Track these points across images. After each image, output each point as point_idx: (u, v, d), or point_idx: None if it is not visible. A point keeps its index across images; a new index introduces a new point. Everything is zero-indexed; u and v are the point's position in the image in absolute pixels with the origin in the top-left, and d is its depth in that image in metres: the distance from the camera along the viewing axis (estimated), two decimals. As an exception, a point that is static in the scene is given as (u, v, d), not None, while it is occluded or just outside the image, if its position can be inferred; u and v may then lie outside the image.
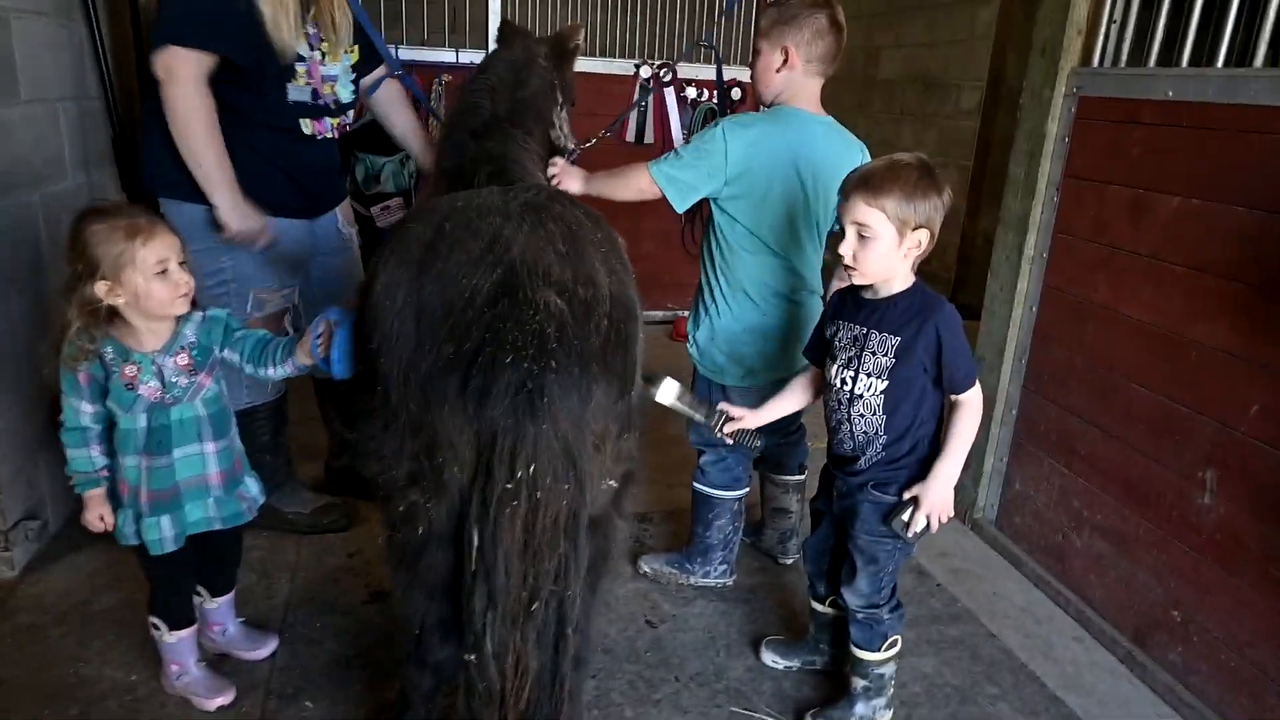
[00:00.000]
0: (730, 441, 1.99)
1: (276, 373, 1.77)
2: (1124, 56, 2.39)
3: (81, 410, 1.67)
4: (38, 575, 2.32)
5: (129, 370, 1.64)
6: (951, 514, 1.77)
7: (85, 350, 1.61)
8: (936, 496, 1.74)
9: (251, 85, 2.13)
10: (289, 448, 2.62)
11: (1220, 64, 2.10)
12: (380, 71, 2.56)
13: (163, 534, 1.73)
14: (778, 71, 2.12)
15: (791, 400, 2.01)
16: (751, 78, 2.25)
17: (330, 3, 2.20)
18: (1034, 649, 2.29)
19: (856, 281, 1.75)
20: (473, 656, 1.31)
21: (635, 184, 2.13)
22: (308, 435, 2.86)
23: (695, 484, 2.38)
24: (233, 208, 2.14)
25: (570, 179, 2.16)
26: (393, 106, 2.64)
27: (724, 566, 2.42)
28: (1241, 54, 2.10)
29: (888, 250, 1.67)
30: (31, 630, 2.11)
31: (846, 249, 1.69)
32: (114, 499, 1.75)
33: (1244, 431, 1.95)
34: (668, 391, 1.88)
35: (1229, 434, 1.98)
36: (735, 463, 2.33)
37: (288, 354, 1.74)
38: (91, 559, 2.39)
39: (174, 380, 1.68)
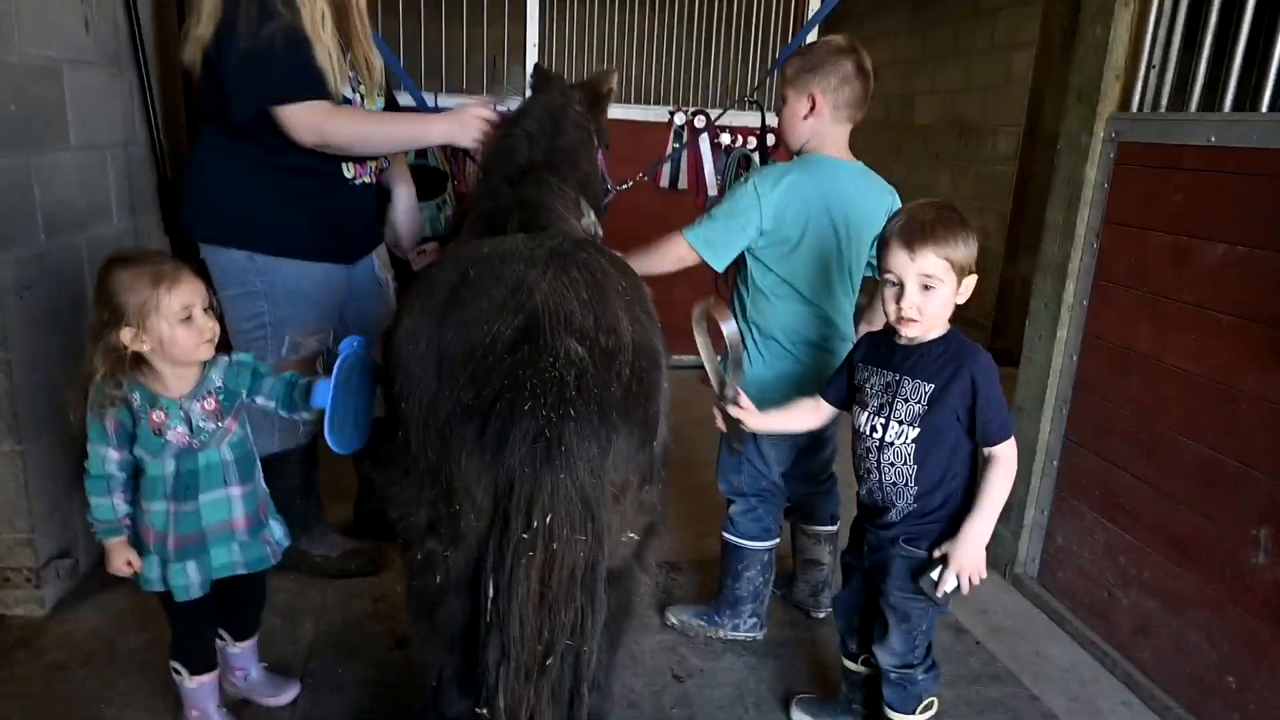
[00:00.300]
0: (723, 428, 1.88)
1: (308, 415, 1.76)
2: (1164, 101, 2.35)
3: (108, 457, 1.67)
4: (67, 614, 2.34)
5: (156, 416, 1.65)
6: (984, 574, 1.70)
7: (112, 396, 1.62)
8: (967, 556, 1.67)
9: None
10: (319, 491, 2.63)
11: (1265, 108, 2.05)
12: None
13: (189, 580, 1.73)
14: (805, 119, 2.12)
15: (795, 419, 1.95)
16: (779, 126, 2.25)
17: (364, 45, 2.25)
18: (1079, 713, 2.18)
19: (912, 334, 1.69)
20: (485, 711, 1.28)
21: (674, 254, 2.14)
22: (337, 478, 2.87)
23: (724, 534, 2.33)
24: (450, 132, 2.20)
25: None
26: (399, 175, 2.59)
27: (754, 619, 2.36)
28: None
29: (949, 298, 1.65)
30: (59, 670, 2.12)
31: (909, 302, 1.63)
32: (138, 546, 1.74)
33: (1299, 488, 1.86)
34: (731, 330, 1.72)
35: (1283, 490, 1.90)
36: (765, 513, 2.29)
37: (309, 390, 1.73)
38: (120, 598, 2.40)
39: (201, 425, 1.69)
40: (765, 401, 2.18)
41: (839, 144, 2.16)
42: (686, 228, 2.13)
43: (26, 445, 2.22)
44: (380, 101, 2.37)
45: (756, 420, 1.87)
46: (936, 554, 1.71)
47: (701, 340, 1.80)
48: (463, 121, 2.20)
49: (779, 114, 2.22)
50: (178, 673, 1.85)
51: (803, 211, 2.07)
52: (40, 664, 2.13)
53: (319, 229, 2.27)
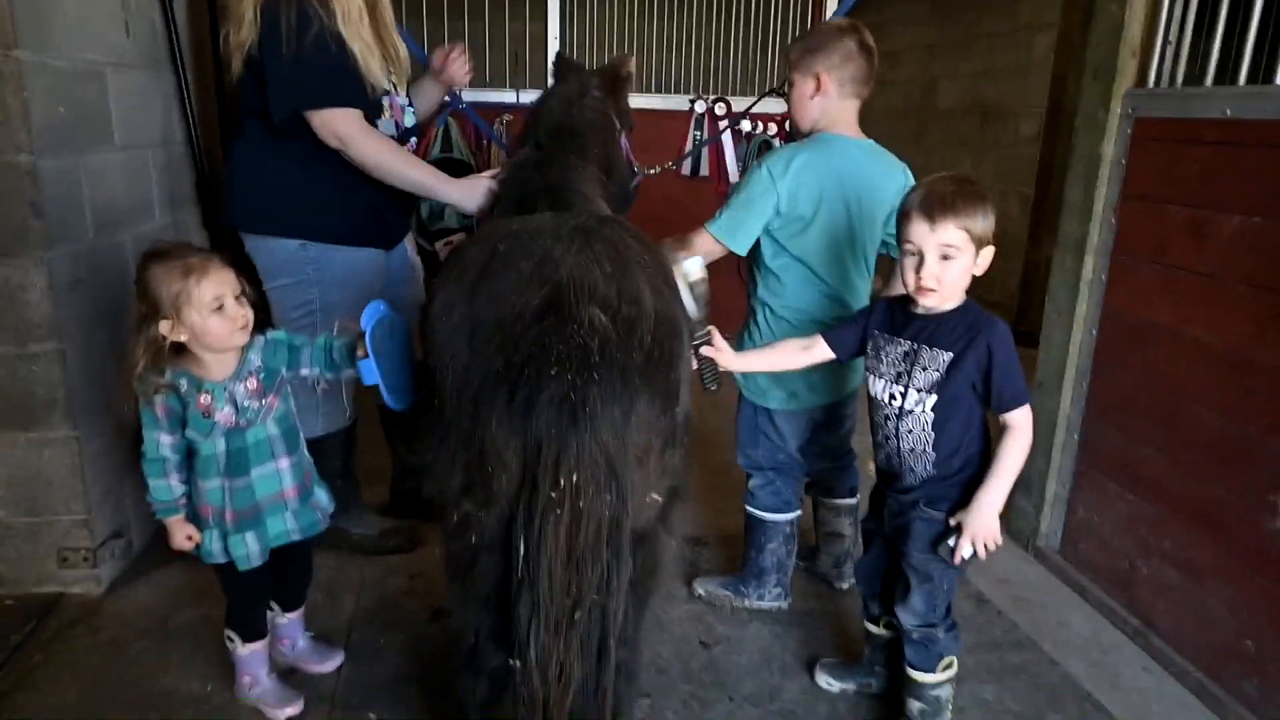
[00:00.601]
0: (694, 364, 1.88)
1: (352, 373, 1.80)
2: (1179, 77, 2.37)
3: (161, 442, 1.76)
4: (122, 591, 2.46)
5: (204, 399, 1.74)
6: (999, 541, 1.75)
7: (156, 385, 1.70)
8: (981, 524, 1.72)
9: None
10: (357, 472, 2.73)
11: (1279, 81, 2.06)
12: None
13: (249, 549, 1.83)
14: (812, 99, 2.15)
15: (779, 357, 2.01)
16: (789, 110, 2.28)
17: (392, 34, 2.33)
18: (1100, 678, 2.22)
19: (931, 303, 1.74)
20: (518, 663, 1.35)
21: (701, 248, 2.14)
22: (373, 460, 2.96)
23: (746, 506, 2.40)
24: (461, 196, 2.29)
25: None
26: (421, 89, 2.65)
27: (778, 589, 2.42)
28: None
29: (967, 268, 1.70)
30: (116, 644, 2.23)
31: (929, 272, 1.68)
32: (196, 522, 1.84)
33: (1316, 452, 1.88)
34: (694, 266, 1.83)
35: (1300, 455, 1.92)
36: (784, 485, 2.35)
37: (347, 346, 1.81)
38: (172, 576, 2.52)
39: (246, 404, 1.78)
40: (779, 377, 2.24)
41: (849, 122, 2.20)
42: (709, 221, 2.17)
43: (82, 431, 2.33)
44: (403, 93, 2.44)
45: (731, 359, 1.93)
46: (952, 522, 1.76)
47: (679, 279, 1.82)
48: (473, 190, 2.29)
49: (787, 98, 2.26)
50: (231, 640, 1.95)
51: (816, 190, 2.11)
52: (98, 640, 2.24)
53: (364, 216, 2.36)
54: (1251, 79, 2.17)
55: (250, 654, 1.97)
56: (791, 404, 2.26)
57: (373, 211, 2.38)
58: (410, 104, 2.49)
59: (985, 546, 1.74)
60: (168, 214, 2.85)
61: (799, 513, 2.40)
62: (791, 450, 2.33)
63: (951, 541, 1.75)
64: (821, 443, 2.38)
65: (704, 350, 1.88)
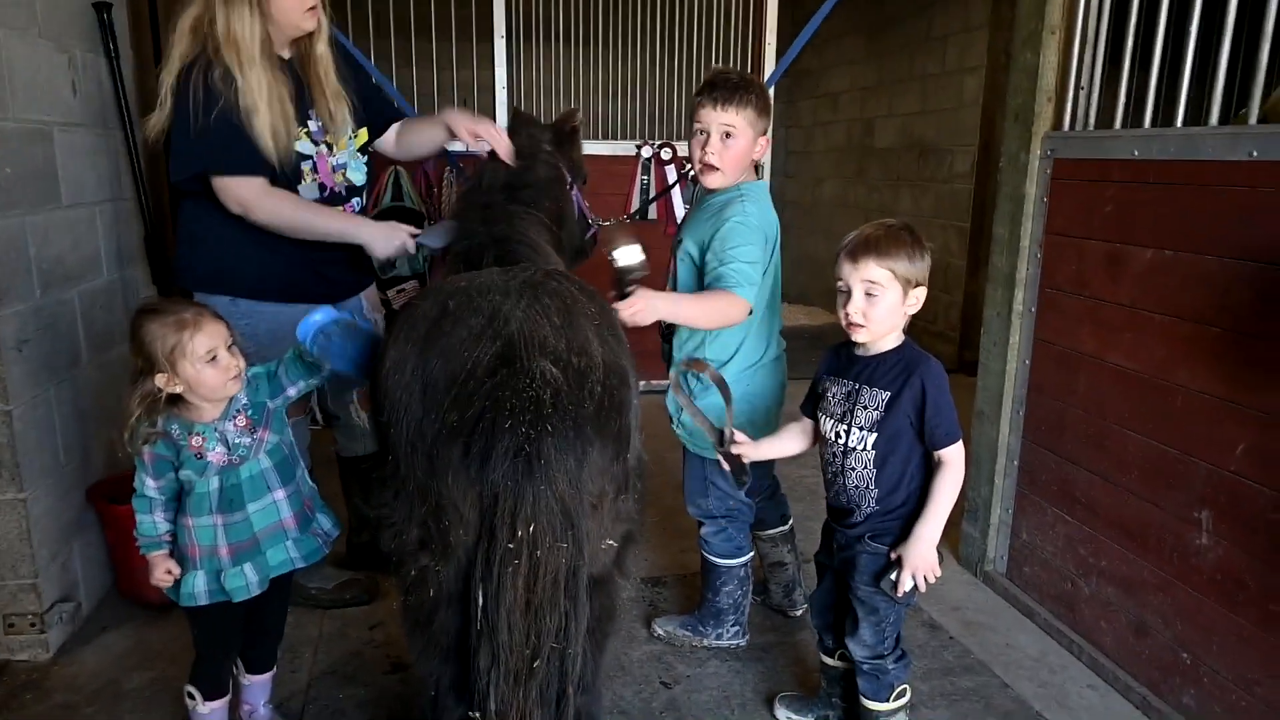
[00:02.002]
0: (726, 466, 1.98)
1: (329, 368, 1.85)
2: (1092, 119, 2.52)
3: (146, 484, 1.81)
4: (71, 656, 2.40)
5: (195, 441, 1.77)
6: (938, 573, 1.83)
7: (149, 435, 1.75)
8: (920, 556, 1.80)
9: None
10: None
11: (1179, 123, 2.22)
12: (393, 127, 2.67)
13: (247, 580, 1.83)
14: (757, 154, 2.23)
15: (787, 444, 2.07)
16: (720, 162, 2.16)
17: (326, 97, 2.37)
18: (1049, 698, 2.30)
19: (861, 338, 1.84)
20: (477, 715, 1.38)
21: (732, 316, 2.11)
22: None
23: (701, 550, 2.44)
24: (374, 238, 2.32)
25: (650, 306, 1.99)
26: (411, 128, 2.68)
27: (736, 628, 2.46)
28: (1201, 111, 2.22)
29: (893, 306, 1.79)
30: (66, 710, 2.18)
31: (855, 307, 1.79)
32: (182, 562, 1.85)
33: (1233, 471, 2.00)
34: (629, 253, 1.97)
35: (1219, 474, 2.03)
36: (736, 531, 2.39)
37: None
38: (122, 639, 2.47)
39: (238, 441, 1.81)
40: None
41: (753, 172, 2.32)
42: (736, 286, 2.07)
43: (29, 492, 2.30)
44: (353, 142, 2.47)
45: (756, 451, 2.01)
46: (894, 556, 1.83)
47: (686, 402, 1.98)
48: (390, 234, 2.34)
49: (718, 151, 2.15)
50: (191, 698, 1.92)
51: (771, 237, 2.22)
52: (48, 705, 2.19)
53: (299, 273, 2.38)
54: (1162, 120, 2.32)
55: (210, 713, 1.93)
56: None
57: (308, 268, 2.39)
58: (367, 157, 2.52)
59: (925, 579, 1.81)
60: (115, 270, 2.84)
61: (752, 554, 2.45)
62: (741, 496, 2.36)
63: (894, 576, 1.82)
64: (766, 481, 2.46)
65: (733, 450, 1.95)
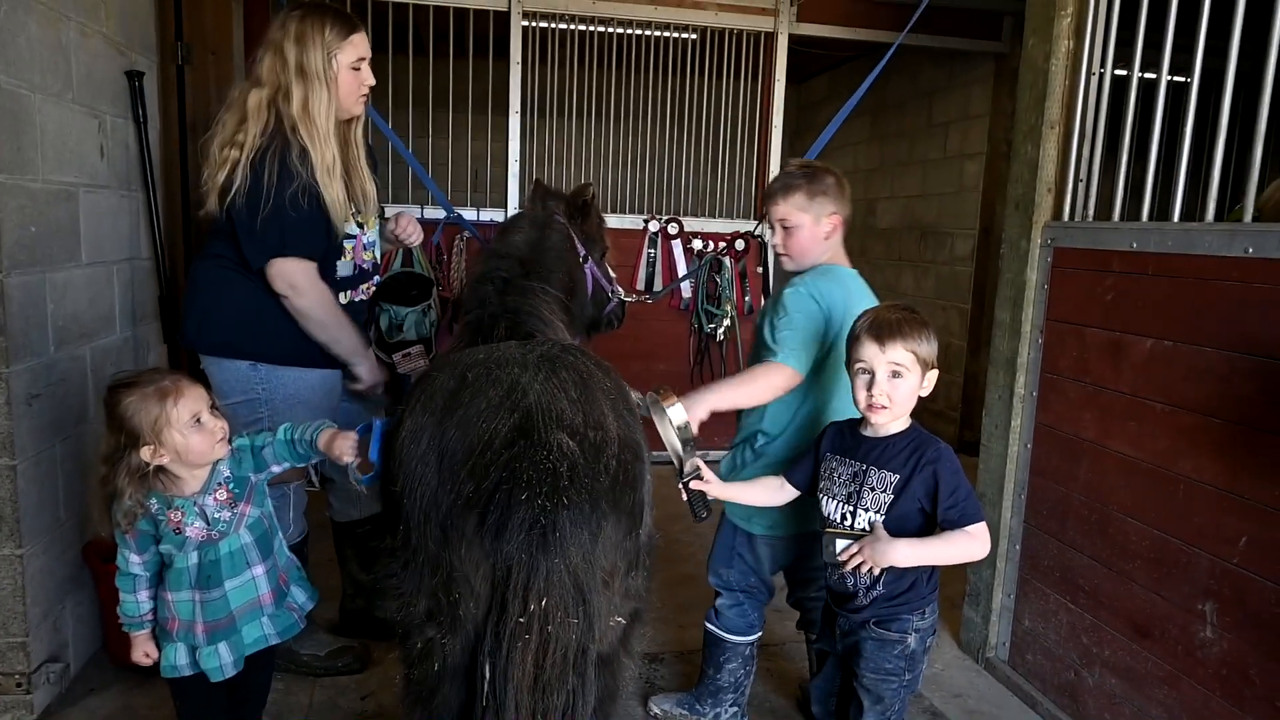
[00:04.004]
0: (685, 497, 1.96)
1: (317, 458, 1.87)
2: (1091, 210, 2.60)
3: (131, 560, 1.78)
4: (56, 719, 2.35)
5: (174, 516, 1.75)
6: (877, 571, 1.82)
7: (136, 513, 1.73)
8: (881, 550, 1.78)
9: None
10: (307, 589, 2.68)
11: (1176, 218, 2.28)
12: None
13: (222, 661, 1.81)
14: (827, 239, 2.22)
15: (756, 494, 2.07)
16: (787, 250, 2.25)
17: (361, 176, 2.45)
18: (1053, 793, 2.25)
19: (882, 419, 1.84)
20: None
21: (778, 384, 2.12)
22: (322, 578, 2.91)
23: (708, 625, 2.38)
24: (371, 369, 2.45)
25: (698, 404, 2.05)
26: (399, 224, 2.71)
27: (734, 709, 2.41)
28: (1197, 205, 2.29)
29: (914, 388, 1.82)
30: (46, 776, 2.13)
31: (880, 389, 1.80)
32: (163, 635, 1.83)
33: (1237, 563, 2.00)
34: (677, 413, 1.89)
35: (1223, 566, 2.03)
36: (751, 608, 2.35)
37: (314, 436, 1.84)
38: (107, 702, 2.42)
39: (217, 516, 1.79)
40: (759, 509, 2.22)
41: (843, 253, 2.31)
42: (779, 355, 2.11)
43: (26, 548, 2.28)
44: (379, 224, 2.55)
45: (719, 489, 1.99)
46: (862, 525, 1.83)
47: (660, 421, 1.93)
48: (376, 373, 2.51)
49: (785, 240, 2.24)
50: (175, 768, 1.88)
51: (839, 321, 2.14)
52: (28, 770, 2.14)
53: (315, 343, 2.41)
54: (1160, 213, 2.39)
55: (195, 783, 1.90)
56: (776, 530, 2.27)
57: None
58: (376, 239, 2.58)
59: (864, 564, 1.79)
60: (129, 328, 2.87)
61: (760, 634, 2.40)
62: (765, 575, 2.33)
63: (840, 545, 1.82)
64: (810, 568, 2.34)
65: (694, 485, 1.95)
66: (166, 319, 3.06)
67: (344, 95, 2.31)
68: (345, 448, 1.79)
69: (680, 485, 1.95)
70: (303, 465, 1.91)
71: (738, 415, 2.38)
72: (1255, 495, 1.96)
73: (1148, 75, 2.47)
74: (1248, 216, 2.11)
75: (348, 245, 2.40)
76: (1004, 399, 2.81)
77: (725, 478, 2.27)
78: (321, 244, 2.29)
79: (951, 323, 5.78)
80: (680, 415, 1.88)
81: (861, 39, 5.05)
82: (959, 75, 5.75)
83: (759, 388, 2.13)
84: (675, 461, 1.95)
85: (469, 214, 4.57)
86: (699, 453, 1.98)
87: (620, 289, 2.68)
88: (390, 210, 2.78)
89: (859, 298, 2.21)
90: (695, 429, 1.98)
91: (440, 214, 4.47)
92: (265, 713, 2.33)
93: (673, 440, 1.93)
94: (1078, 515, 2.51)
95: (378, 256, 2.56)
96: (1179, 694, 2.15)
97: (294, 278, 2.26)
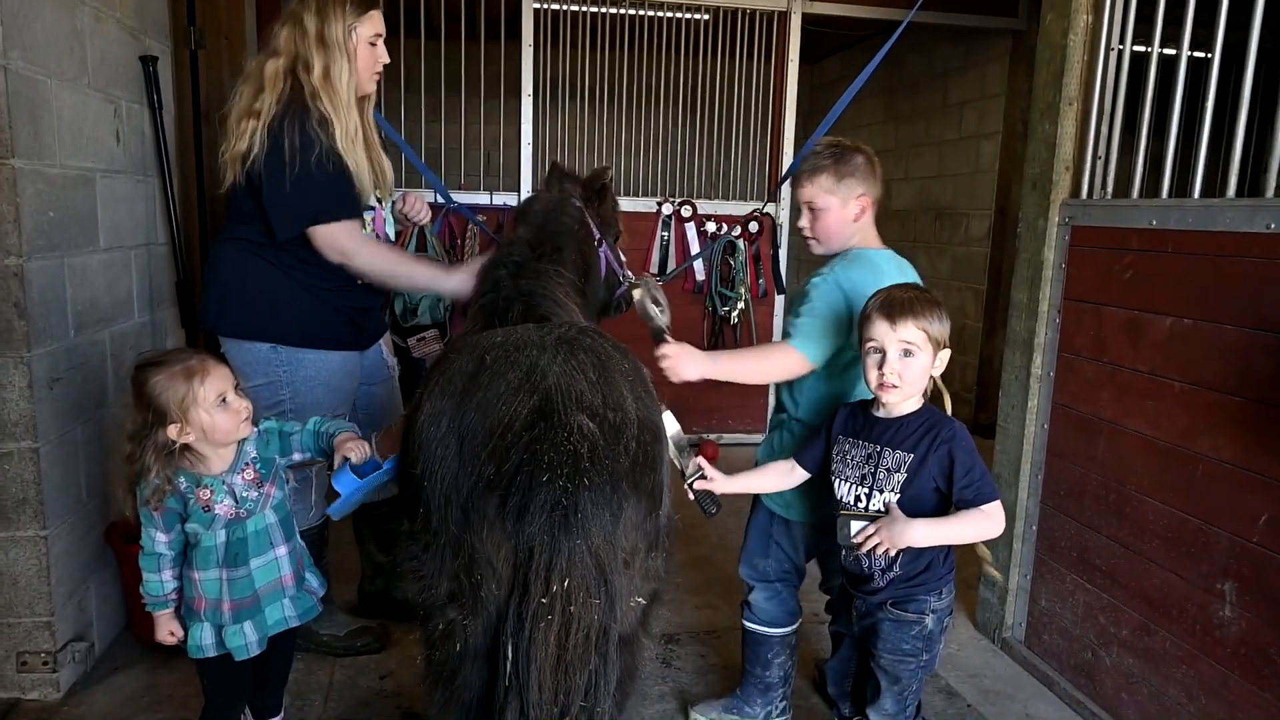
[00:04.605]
0: (691, 496, 1.97)
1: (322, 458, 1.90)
2: (1109, 188, 2.57)
3: (157, 539, 1.80)
4: (81, 697, 2.39)
5: (204, 494, 1.78)
6: (892, 552, 1.81)
7: (163, 490, 1.75)
8: (899, 528, 1.77)
9: None
10: (327, 571, 2.70)
11: (1197, 194, 2.26)
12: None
13: (247, 639, 1.84)
14: (856, 221, 2.17)
15: (767, 480, 2.07)
16: (815, 233, 2.20)
17: (376, 151, 2.45)
18: (1069, 771, 2.26)
19: (893, 399, 1.84)
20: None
21: (785, 366, 2.09)
22: (341, 559, 2.95)
23: (748, 624, 2.29)
24: (461, 280, 2.32)
25: (688, 364, 2.02)
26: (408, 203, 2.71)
27: (784, 703, 2.34)
28: (1217, 182, 2.26)
29: (926, 367, 1.82)
30: (74, 753, 2.17)
31: (891, 368, 1.80)
32: (190, 615, 1.85)
33: (1257, 542, 1.99)
34: (669, 422, 1.85)
35: (1242, 545, 2.03)
36: (789, 595, 2.27)
37: (338, 433, 1.87)
38: (132, 680, 2.46)
39: (245, 495, 1.82)
40: (799, 493, 2.16)
41: (875, 235, 2.26)
42: (790, 339, 2.08)
43: (50, 530, 2.31)
44: (390, 202, 2.56)
45: (726, 484, 1.99)
46: (877, 507, 1.83)
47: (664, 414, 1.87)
48: (464, 282, 2.35)
49: (813, 223, 2.19)
50: (200, 744, 1.92)
51: (858, 297, 2.06)
52: (55, 748, 2.18)
53: (337, 321, 2.42)
54: (1178, 190, 2.37)
55: (218, 760, 1.93)
56: (816, 516, 2.19)
57: (344, 316, 2.44)
58: (391, 215, 2.59)
59: (883, 545, 1.79)
60: (146, 312, 2.89)
61: (801, 620, 2.32)
62: (801, 562, 2.27)
63: (856, 527, 1.82)
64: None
65: (698, 485, 1.95)
66: (183, 303, 3.08)
67: (361, 69, 2.31)
68: (352, 449, 1.81)
69: (686, 487, 1.96)
70: (322, 460, 1.93)
71: (777, 400, 2.33)
72: (1275, 473, 1.95)
73: (1167, 51, 2.44)
74: (1270, 192, 2.09)
75: (368, 217, 2.40)
76: (1020, 379, 2.79)
77: (764, 462, 2.22)
78: (356, 203, 2.28)
79: (967, 304, 5.75)
80: (673, 424, 1.87)
81: (876, 17, 4.99)
82: (975, 53, 5.68)
83: (763, 366, 2.13)
84: (677, 464, 1.94)
85: (481, 198, 4.57)
86: (711, 435, 1.98)
87: (630, 273, 2.67)
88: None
89: (893, 280, 2.06)
90: (690, 377, 1.99)
91: (455, 198, 4.47)
92: (286, 691, 2.37)
93: (675, 449, 1.92)
94: (1095, 495, 2.50)
95: (392, 236, 2.57)
96: (1197, 673, 2.15)
97: (340, 241, 2.25)
